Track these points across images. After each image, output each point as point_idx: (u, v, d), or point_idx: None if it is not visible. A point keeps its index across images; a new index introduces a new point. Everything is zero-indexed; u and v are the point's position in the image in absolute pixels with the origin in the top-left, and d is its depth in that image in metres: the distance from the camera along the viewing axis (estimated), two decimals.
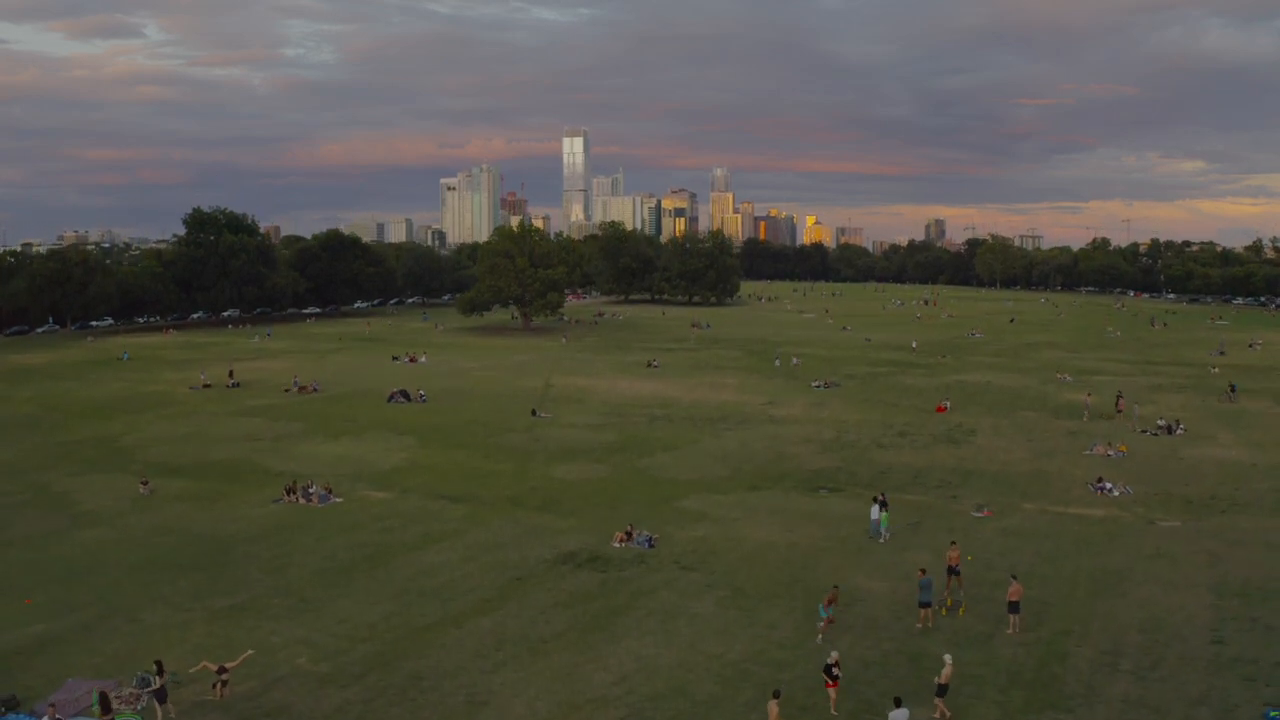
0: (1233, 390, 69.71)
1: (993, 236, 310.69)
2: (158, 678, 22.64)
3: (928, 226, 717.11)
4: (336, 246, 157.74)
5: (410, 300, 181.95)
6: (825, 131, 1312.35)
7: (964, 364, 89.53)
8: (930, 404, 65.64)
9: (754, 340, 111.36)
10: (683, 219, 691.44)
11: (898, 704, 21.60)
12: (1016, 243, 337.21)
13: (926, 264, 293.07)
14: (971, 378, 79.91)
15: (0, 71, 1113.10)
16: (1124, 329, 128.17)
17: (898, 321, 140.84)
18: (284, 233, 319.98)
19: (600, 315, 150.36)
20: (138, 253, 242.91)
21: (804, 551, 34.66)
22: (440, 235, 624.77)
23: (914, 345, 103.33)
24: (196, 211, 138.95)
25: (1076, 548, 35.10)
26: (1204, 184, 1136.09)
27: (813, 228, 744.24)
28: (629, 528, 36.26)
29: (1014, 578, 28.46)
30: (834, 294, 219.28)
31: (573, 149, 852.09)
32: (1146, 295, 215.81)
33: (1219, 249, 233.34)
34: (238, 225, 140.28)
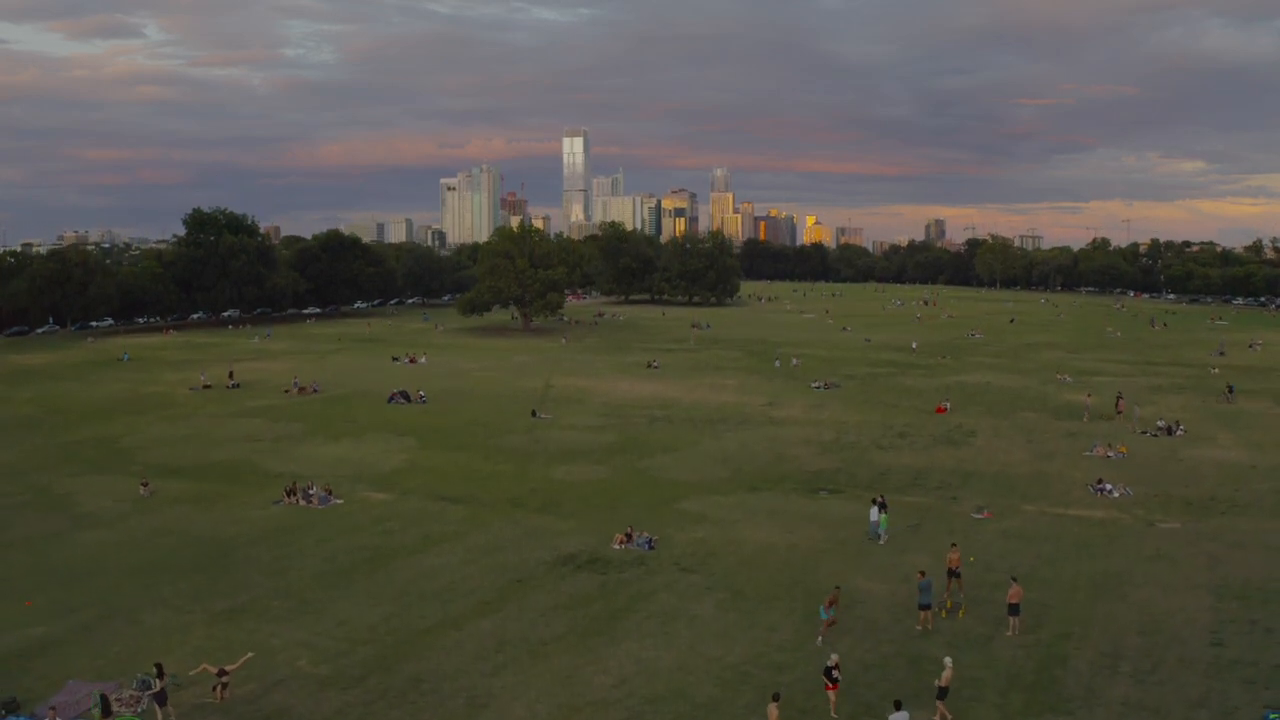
0: (1230, 391, 69.73)
1: (993, 237, 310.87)
2: (158, 680, 22.65)
3: (928, 226, 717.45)
4: (336, 247, 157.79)
5: (410, 301, 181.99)
6: (825, 131, 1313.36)
7: (964, 365, 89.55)
8: (930, 405, 65.66)
9: (754, 341, 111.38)
10: (683, 219, 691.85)
11: (898, 707, 21.62)
12: (1016, 243, 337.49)
13: (926, 264, 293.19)
14: (971, 378, 79.94)
15: (0, 71, 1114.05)
16: (1124, 329, 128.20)
17: (897, 322, 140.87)
18: (284, 233, 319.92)
19: (600, 316, 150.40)
20: (138, 253, 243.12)
21: (804, 553, 34.68)
22: (440, 235, 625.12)
23: (914, 346, 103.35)
24: (196, 212, 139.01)
25: (1076, 550, 35.11)
26: (1204, 184, 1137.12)
27: (813, 228, 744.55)
28: (629, 529, 36.27)
29: (1014, 580, 28.46)
30: (834, 294, 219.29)
31: (573, 149, 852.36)
32: (1146, 295, 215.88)
33: (1219, 249, 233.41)
34: (238, 226, 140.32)
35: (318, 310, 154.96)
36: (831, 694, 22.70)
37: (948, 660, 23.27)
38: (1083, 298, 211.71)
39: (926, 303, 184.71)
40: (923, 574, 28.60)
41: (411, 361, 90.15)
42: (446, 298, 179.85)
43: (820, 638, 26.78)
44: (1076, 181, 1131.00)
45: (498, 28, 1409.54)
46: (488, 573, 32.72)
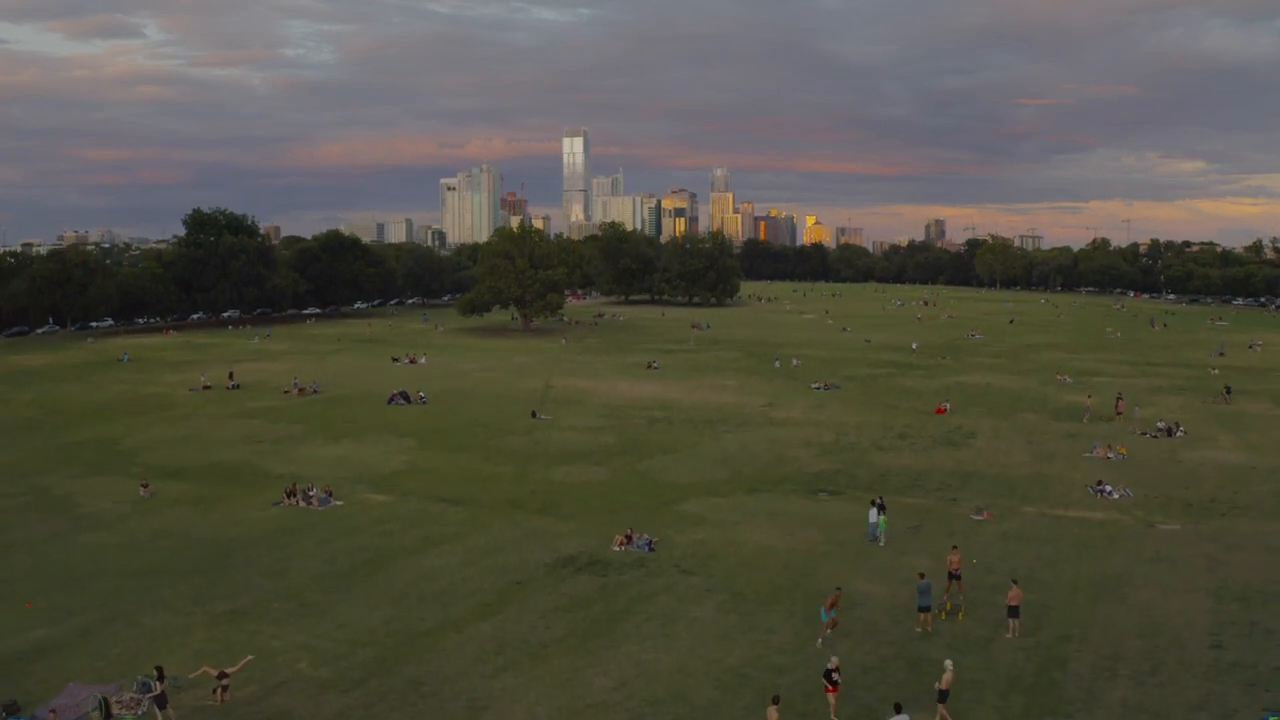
0: (1228, 392, 69.72)
1: (993, 237, 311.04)
2: (159, 683, 22.67)
3: (928, 227, 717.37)
4: (336, 247, 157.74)
5: (410, 301, 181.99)
6: (825, 131, 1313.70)
7: (964, 365, 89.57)
8: (930, 406, 65.67)
9: (754, 341, 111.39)
10: (683, 219, 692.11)
11: (898, 710, 21.63)
12: (1016, 243, 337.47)
13: (926, 264, 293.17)
14: (971, 379, 79.95)
15: (0, 71, 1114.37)
16: (1124, 330, 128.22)
17: (897, 322, 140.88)
18: (284, 233, 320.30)
19: (600, 316, 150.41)
20: (138, 253, 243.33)
21: (803, 555, 34.69)
22: (440, 235, 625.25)
23: (914, 346, 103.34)
24: (196, 212, 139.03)
25: (1076, 551, 35.12)
26: (1204, 184, 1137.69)
27: (813, 228, 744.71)
28: (629, 531, 36.29)
29: (1014, 582, 28.48)
30: (834, 294, 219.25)
31: (573, 149, 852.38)
32: (1146, 296, 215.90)
33: (1219, 249, 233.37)
34: (238, 226, 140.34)
35: (318, 311, 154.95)
36: (831, 696, 22.71)
37: (948, 663, 23.27)
38: (1083, 298, 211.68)
39: (926, 303, 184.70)
40: (922, 576, 28.61)
41: (411, 362, 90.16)
42: (446, 298, 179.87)
43: (820, 640, 26.80)
44: (1076, 181, 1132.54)
45: (498, 28, 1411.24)
46: (488, 574, 32.74)
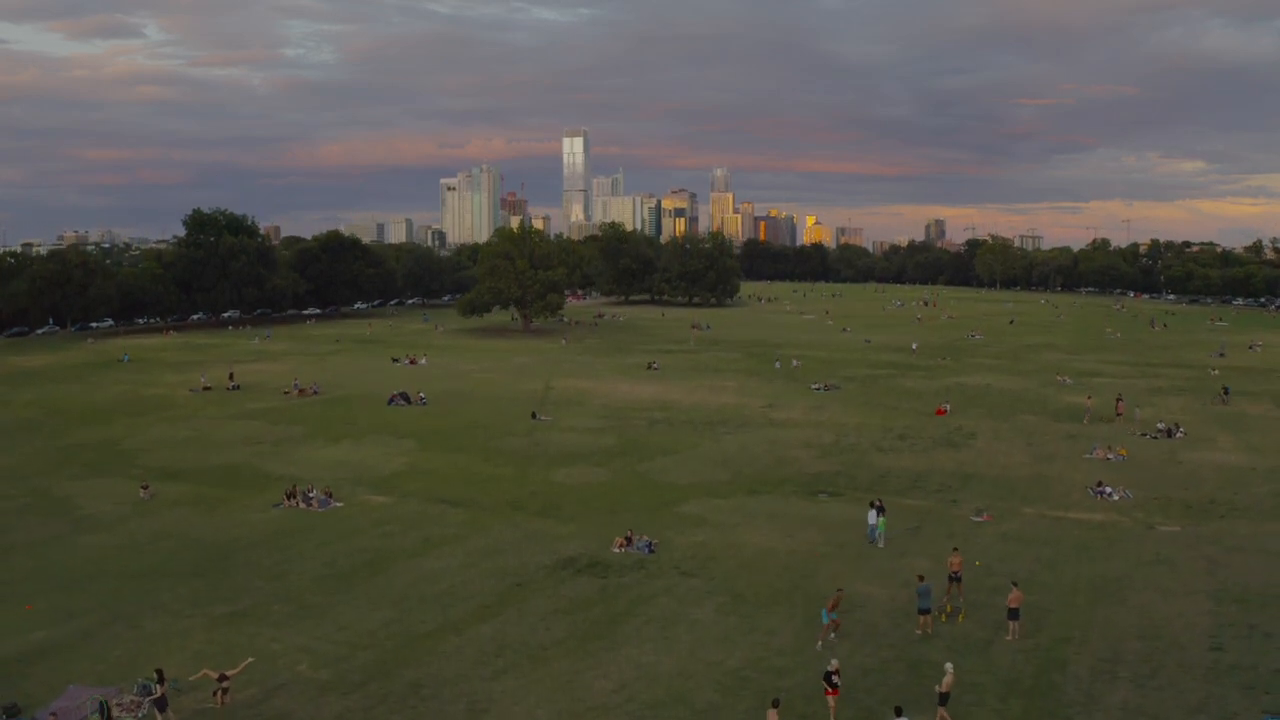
0: (1226, 393, 69.72)
1: (992, 237, 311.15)
2: (159, 685, 22.68)
3: (928, 227, 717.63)
4: (336, 248, 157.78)
5: (410, 301, 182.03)
6: (825, 131, 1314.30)
7: (964, 366, 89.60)
8: (930, 407, 65.69)
9: (754, 342, 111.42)
10: (683, 219, 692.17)
11: (898, 713, 21.63)
12: (1016, 243, 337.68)
13: (926, 264, 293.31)
14: (971, 380, 79.96)
15: (0, 71, 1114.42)
16: (1124, 330, 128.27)
17: (898, 323, 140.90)
18: (284, 233, 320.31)
19: (600, 316, 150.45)
20: (138, 253, 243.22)
21: (803, 557, 34.70)
22: (440, 235, 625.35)
23: (914, 347, 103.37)
24: (196, 213, 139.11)
25: (1076, 553, 35.13)
26: (1204, 184, 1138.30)
27: (813, 228, 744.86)
28: (629, 533, 36.30)
29: (1015, 584, 28.49)
30: (834, 295, 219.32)
31: (573, 149, 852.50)
32: (1146, 296, 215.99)
33: (1219, 250, 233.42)
34: (238, 226, 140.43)
35: (318, 311, 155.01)
36: (831, 699, 22.71)
37: (948, 666, 23.28)
38: (1083, 298, 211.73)
39: (926, 303, 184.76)
40: (921, 579, 28.61)
41: (411, 363, 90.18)
42: (446, 298, 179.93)
43: (820, 642, 26.81)
44: (1076, 181, 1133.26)
45: (498, 28, 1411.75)
46: (488, 576, 32.76)
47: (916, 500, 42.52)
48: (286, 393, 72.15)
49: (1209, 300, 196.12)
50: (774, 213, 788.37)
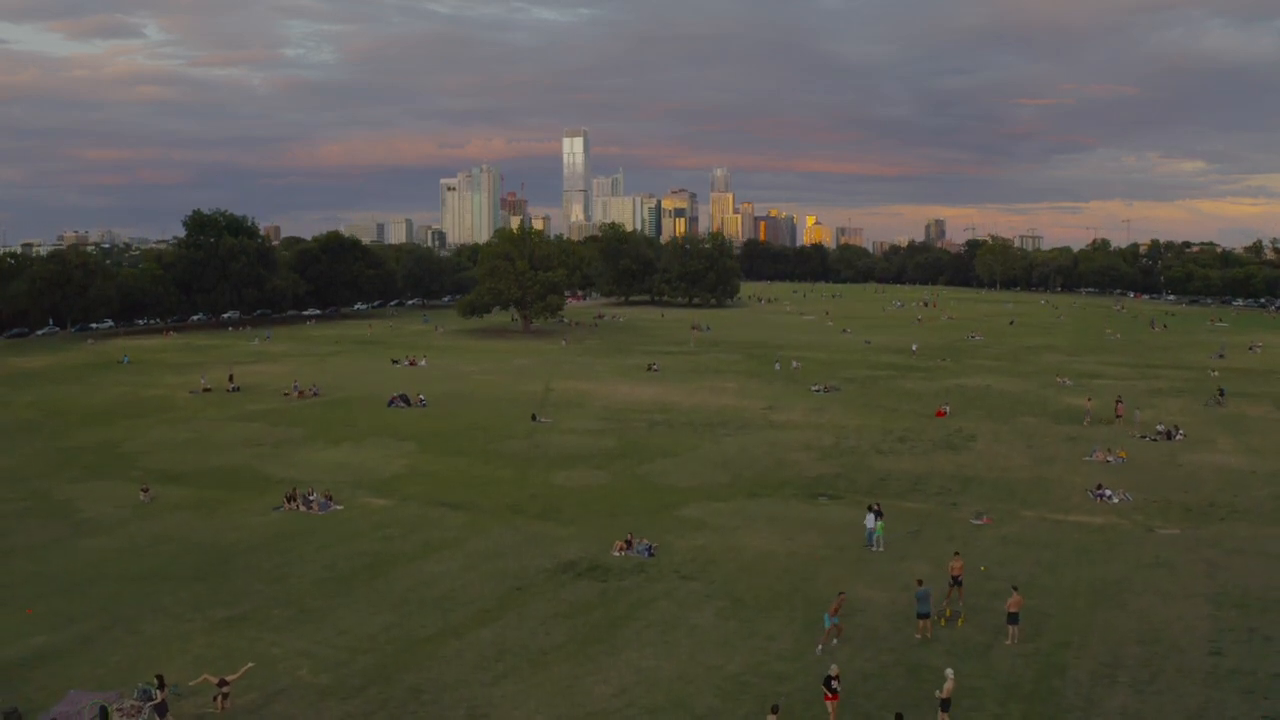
0: (1221, 394, 69.66)
1: (993, 237, 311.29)
2: (159, 690, 22.68)
3: (928, 227, 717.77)
4: (336, 248, 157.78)
5: (410, 302, 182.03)
6: (825, 131, 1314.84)
7: (964, 367, 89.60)
8: (930, 409, 65.69)
9: (754, 343, 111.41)
10: (683, 219, 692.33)
11: (898, 719, 21.61)
12: (1016, 243, 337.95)
13: (926, 265, 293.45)
14: (971, 381, 79.96)
15: (0, 71, 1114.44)
16: (1124, 331, 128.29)
17: (898, 324, 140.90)
18: (284, 233, 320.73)
19: (600, 317, 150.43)
20: (138, 253, 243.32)
21: (803, 561, 34.70)
22: (440, 236, 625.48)
23: (914, 348, 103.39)
24: (196, 213, 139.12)
25: (1076, 556, 35.14)
26: (1204, 184, 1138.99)
27: (813, 228, 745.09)
28: (629, 536, 36.30)
29: (1015, 588, 28.49)
30: (834, 295, 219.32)
31: (573, 149, 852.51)
32: (1146, 296, 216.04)
33: (1219, 250, 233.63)
34: (238, 227, 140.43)
35: (318, 312, 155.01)
36: (831, 704, 22.70)
37: (949, 672, 23.27)
38: (1083, 299, 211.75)
39: (926, 304, 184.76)
40: (920, 583, 28.61)
41: (411, 364, 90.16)
42: (447, 299, 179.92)
43: (820, 646, 26.82)
44: (1076, 181, 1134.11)
45: (498, 28, 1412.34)
46: (488, 580, 32.76)
47: (916, 503, 42.53)
48: (286, 394, 72.13)
49: (1209, 301, 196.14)
50: (774, 213, 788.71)
